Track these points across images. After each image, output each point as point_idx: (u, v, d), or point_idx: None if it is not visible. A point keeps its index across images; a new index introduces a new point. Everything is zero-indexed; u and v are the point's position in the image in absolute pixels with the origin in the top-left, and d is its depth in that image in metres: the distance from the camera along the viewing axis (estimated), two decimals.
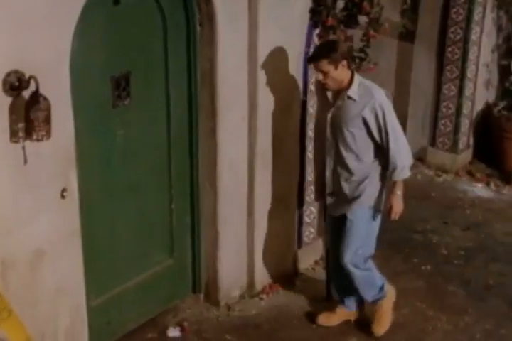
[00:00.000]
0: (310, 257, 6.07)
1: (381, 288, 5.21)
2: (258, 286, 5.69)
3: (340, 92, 4.80)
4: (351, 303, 5.35)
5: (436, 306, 5.68)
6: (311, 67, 5.00)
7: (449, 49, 7.55)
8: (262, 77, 5.14)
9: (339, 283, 5.29)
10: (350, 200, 4.93)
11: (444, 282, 5.99)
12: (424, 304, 5.70)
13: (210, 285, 5.55)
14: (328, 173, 5.00)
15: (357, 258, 4.99)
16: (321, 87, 4.89)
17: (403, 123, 7.93)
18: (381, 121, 4.72)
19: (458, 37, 7.48)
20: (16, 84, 3.85)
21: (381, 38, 6.07)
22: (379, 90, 4.80)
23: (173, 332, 5.24)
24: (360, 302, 5.35)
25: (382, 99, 4.75)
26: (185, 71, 4.97)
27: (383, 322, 5.27)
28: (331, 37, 5.53)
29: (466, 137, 7.94)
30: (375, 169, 4.89)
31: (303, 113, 5.56)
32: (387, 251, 6.35)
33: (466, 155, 8.03)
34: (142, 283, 5.17)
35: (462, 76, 7.60)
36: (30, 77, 3.85)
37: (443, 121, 7.84)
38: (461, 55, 7.52)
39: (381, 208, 4.98)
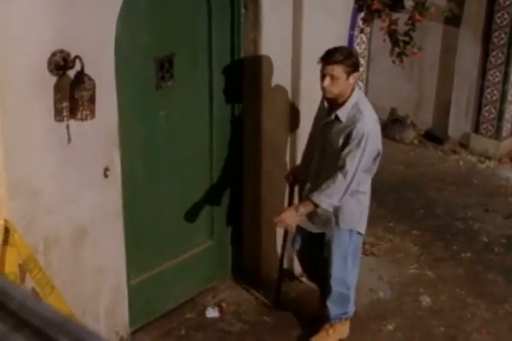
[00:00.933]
0: None
1: (345, 313, 5.03)
2: (298, 269, 5.69)
3: (334, 108, 4.49)
4: None
5: (475, 293, 5.64)
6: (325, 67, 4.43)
7: (495, 34, 7.45)
8: (305, 60, 5.12)
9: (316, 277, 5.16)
10: (326, 220, 4.67)
11: (485, 270, 5.94)
12: (463, 291, 5.67)
13: (250, 268, 5.57)
14: (308, 185, 4.72)
15: (343, 276, 4.86)
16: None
17: (446, 110, 7.93)
18: (348, 147, 4.35)
19: (505, 22, 7.37)
20: (62, 63, 3.88)
21: (426, 22, 6.01)
22: (369, 118, 4.41)
23: (212, 312, 5.27)
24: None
25: (365, 129, 4.33)
26: (228, 53, 4.98)
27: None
28: (376, 21, 5.51)
29: (510, 124, 7.85)
30: (354, 190, 4.56)
31: None
32: (427, 237, 6.33)
33: (509, 142, 7.94)
34: (182, 264, 5.21)
35: (508, 62, 7.49)
36: (76, 57, 3.88)
37: (487, 108, 7.76)
38: (508, 41, 7.41)
39: (361, 231, 4.75)
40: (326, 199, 4.43)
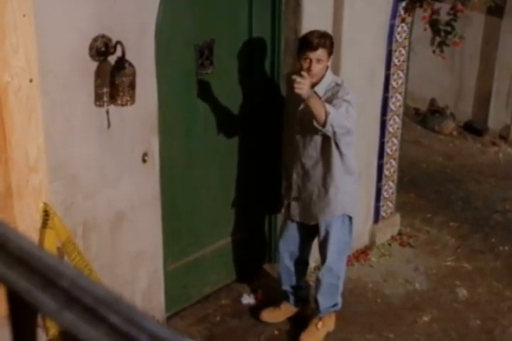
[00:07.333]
0: (387, 232, 6.04)
1: (335, 305, 5.00)
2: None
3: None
4: (294, 300, 5.14)
5: None
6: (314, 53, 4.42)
7: None
8: (345, 48, 5.10)
9: (290, 280, 5.07)
10: (320, 208, 4.66)
11: None
12: (500, 284, 5.62)
13: None
14: (295, 175, 4.70)
15: (336, 265, 4.84)
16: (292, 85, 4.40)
17: (487, 101, 7.84)
18: (337, 101, 4.35)
19: None
20: (103, 49, 3.90)
21: (468, 12, 5.94)
22: (348, 88, 4.50)
23: (247, 299, 5.28)
24: (302, 299, 5.16)
25: (348, 97, 4.39)
26: (269, 40, 4.96)
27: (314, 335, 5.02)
28: (417, 10, 5.46)
29: None
30: (346, 173, 4.62)
31: (386, 86, 5.51)
32: (465, 229, 6.28)
33: None
34: (219, 250, 5.23)
35: None
36: (117, 43, 3.89)
37: None
38: None
39: (352, 215, 4.73)
40: (332, 112, 4.24)
